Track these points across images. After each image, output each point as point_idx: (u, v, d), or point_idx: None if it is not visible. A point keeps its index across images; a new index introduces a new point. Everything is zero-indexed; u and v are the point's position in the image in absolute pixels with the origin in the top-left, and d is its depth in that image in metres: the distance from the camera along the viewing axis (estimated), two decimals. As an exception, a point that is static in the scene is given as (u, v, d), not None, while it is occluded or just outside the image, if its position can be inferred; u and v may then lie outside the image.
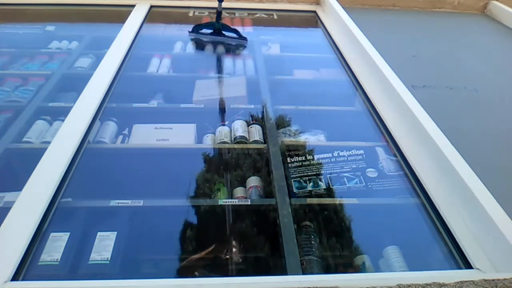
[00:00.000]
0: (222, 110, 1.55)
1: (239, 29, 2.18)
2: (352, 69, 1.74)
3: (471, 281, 0.80)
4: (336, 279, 0.81)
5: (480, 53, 1.96)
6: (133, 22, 1.98)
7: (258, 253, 1.06)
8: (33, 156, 1.12)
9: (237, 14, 2.30)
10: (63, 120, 1.29)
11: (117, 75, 1.56)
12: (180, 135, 1.43)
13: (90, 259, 0.96)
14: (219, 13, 1.89)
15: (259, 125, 1.45)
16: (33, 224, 0.94)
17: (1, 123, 1.38)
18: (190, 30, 1.98)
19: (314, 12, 2.36)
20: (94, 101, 1.38)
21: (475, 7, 2.52)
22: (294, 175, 1.25)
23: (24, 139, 1.30)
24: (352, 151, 1.34)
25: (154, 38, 2.05)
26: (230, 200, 1.18)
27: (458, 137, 1.23)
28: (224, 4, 2.35)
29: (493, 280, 0.80)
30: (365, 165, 1.29)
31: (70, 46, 1.90)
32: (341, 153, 1.33)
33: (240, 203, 1.16)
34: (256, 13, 2.33)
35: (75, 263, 0.96)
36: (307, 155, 1.33)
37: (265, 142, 1.39)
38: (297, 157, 1.32)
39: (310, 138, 1.43)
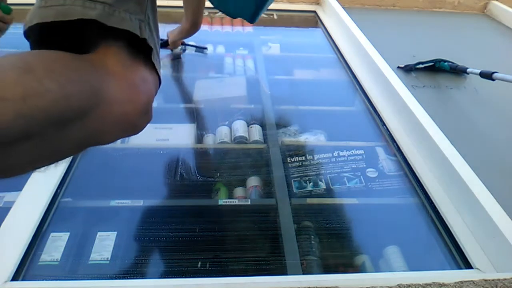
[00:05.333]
0: (222, 110, 1.55)
1: (239, 29, 2.19)
2: (352, 69, 1.74)
3: (471, 281, 0.80)
4: (336, 279, 0.81)
5: (480, 53, 1.96)
6: (133, 22, 1.97)
7: (258, 253, 1.06)
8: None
9: (237, 14, 2.30)
10: (63, 120, 1.28)
11: (117, 75, 1.56)
12: (180, 135, 1.43)
13: (90, 259, 0.96)
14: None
15: (259, 125, 1.45)
16: (33, 224, 0.94)
17: (1, 123, 1.37)
18: None
19: (314, 12, 2.36)
20: (94, 101, 1.38)
21: (475, 7, 2.52)
22: (294, 175, 1.25)
23: (24, 139, 1.30)
24: (352, 151, 1.34)
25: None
26: (230, 200, 1.18)
27: (458, 137, 1.24)
28: (224, 4, 2.35)
29: (493, 280, 0.80)
30: (365, 165, 1.29)
31: (70, 46, 1.90)
32: (341, 153, 1.33)
33: (240, 203, 1.16)
34: (256, 13, 2.33)
35: (75, 263, 0.95)
36: (307, 155, 1.33)
37: (265, 142, 1.39)
38: (297, 157, 1.32)
39: (310, 138, 1.43)
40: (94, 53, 0.50)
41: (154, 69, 0.55)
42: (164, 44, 1.75)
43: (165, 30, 2.13)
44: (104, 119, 0.46)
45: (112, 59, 0.49)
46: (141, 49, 0.53)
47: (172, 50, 1.84)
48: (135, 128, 0.54)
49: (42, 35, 0.50)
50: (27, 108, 0.37)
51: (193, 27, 1.51)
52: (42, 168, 0.46)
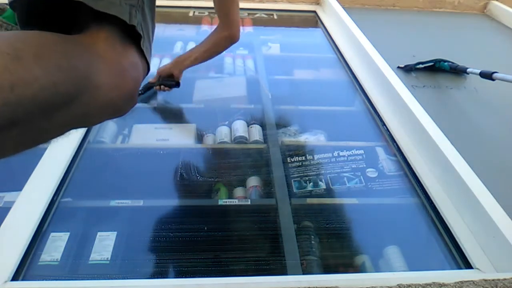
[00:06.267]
0: (222, 110, 1.55)
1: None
2: (352, 69, 1.74)
3: (471, 281, 0.80)
4: (336, 279, 0.81)
5: (480, 53, 1.96)
6: (133, 22, 1.97)
7: (258, 253, 1.06)
8: (34, 156, 1.12)
9: (237, 14, 2.30)
10: (63, 120, 1.28)
11: (117, 75, 1.55)
12: (180, 135, 1.43)
13: (90, 259, 0.96)
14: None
15: (259, 125, 1.45)
16: (33, 224, 0.94)
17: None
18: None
19: (314, 12, 2.36)
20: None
21: (475, 7, 2.52)
22: (294, 175, 1.25)
23: (24, 139, 1.30)
24: (352, 151, 1.33)
25: (154, 38, 2.05)
26: (230, 200, 1.18)
27: (458, 137, 1.24)
28: (224, 4, 2.35)
29: (493, 280, 0.80)
30: (365, 165, 1.29)
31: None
32: (341, 153, 1.33)
33: (240, 203, 1.16)
34: (256, 13, 2.33)
35: (75, 263, 0.95)
36: (307, 155, 1.33)
37: (265, 142, 1.39)
38: (297, 157, 1.32)
39: (310, 138, 1.43)
40: (85, 34, 0.49)
41: (143, 54, 0.55)
42: (176, 84, 1.47)
43: (165, 30, 2.14)
44: (91, 104, 0.46)
45: (103, 42, 0.49)
46: (132, 34, 0.52)
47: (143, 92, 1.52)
48: (121, 111, 0.54)
49: (31, 9, 0.50)
50: (15, 97, 0.37)
51: (232, 35, 1.33)
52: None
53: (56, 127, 0.46)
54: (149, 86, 1.51)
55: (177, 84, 1.47)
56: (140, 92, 1.49)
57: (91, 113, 0.48)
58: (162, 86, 1.50)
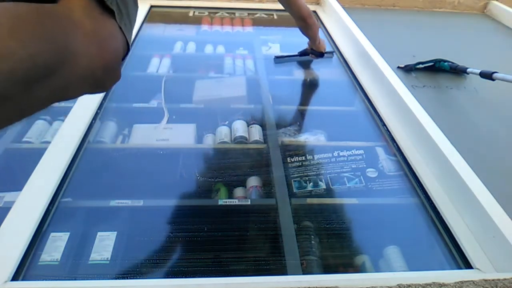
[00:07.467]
0: (222, 110, 1.55)
1: (239, 29, 2.19)
2: (352, 69, 1.74)
3: (471, 281, 0.80)
4: (336, 279, 0.81)
5: (480, 53, 1.97)
6: (133, 22, 1.97)
7: (258, 253, 1.06)
8: (33, 156, 1.12)
9: (237, 14, 2.30)
10: (63, 120, 1.29)
11: (117, 75, 1.55)
12: (180, 135, 1.43)
13: (90, 259, 0.96)
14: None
15: (259, 125, 1.45)
16: (33, 224, 0.94)
17: (1, 123, 1.37)
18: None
19: (314, 12, 2.36)
20: (94, 101, 1.38)
21: (475, 7, 2.52)
22: (294, 175, 1.25)
23: (24, 139, 1.30)
24: (352, 151, 1.34)
25: (154, 38, 2.05)
26: (230, 200, 1.18)
27: (458, 137, 1.24)
28: (224, 4, 2.36)
29: (493, 280, 0.80)
30: (365, 165, 1.29)
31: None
32: (341, 153, 1.33)
33: (240, 203, 1.16)
34: (256, 13, 2.33)
35: (75, 263, 0.96)
36: (307, 155, 1.33)
37: (265, 142, 1.39)
38: (297, 157, 1.32)
39: (310, 138, 1.43)
40: (61, 3, 0.48)
41: (122, 31, 0.54)
42: (321, 54, 1.80)
43: (165, 30, 2.14)
44: (70, 75, 0.45)
45: (80, 11, 0.48)
46: (111, 10, 0.51)
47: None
48: (102, 84, 0.53)
49: None
50: None
51: (301, 22, 1.56)
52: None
53: (36, 101, 0.45)
54: (306, 52, 1.81)
55: (322, 55, 1.80)
56: (298, 54, 1.85)
57: (71, 84, 0.47)
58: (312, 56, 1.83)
